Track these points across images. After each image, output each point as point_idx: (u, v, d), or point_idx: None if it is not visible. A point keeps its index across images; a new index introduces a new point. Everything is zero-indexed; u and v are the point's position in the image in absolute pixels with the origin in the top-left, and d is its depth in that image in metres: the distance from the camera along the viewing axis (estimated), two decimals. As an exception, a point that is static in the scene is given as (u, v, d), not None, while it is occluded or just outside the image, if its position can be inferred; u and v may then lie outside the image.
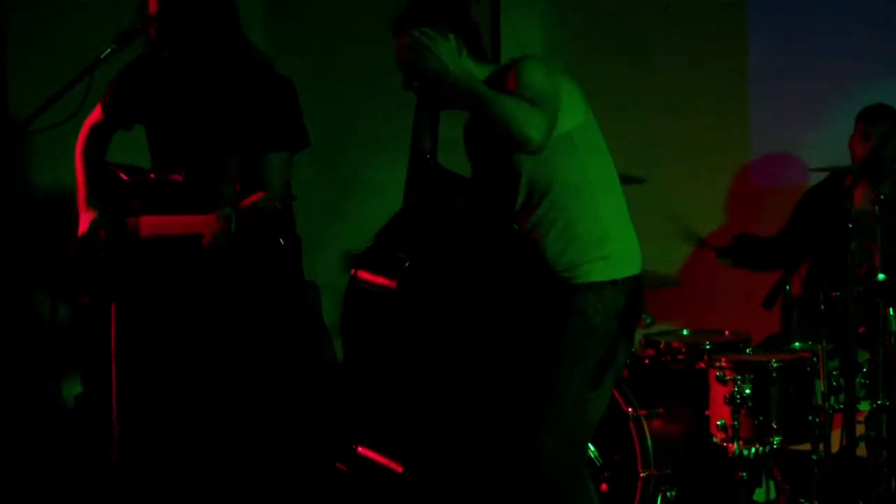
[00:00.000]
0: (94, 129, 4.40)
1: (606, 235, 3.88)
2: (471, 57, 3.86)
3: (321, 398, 5.34)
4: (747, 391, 4.77)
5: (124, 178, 4.28)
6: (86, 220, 4.32)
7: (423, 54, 3.71)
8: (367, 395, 4.10)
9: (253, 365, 4.28)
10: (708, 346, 5.22)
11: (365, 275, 3.94)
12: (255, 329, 4.25)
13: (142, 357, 4.28)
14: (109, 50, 4.10)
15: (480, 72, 3.85)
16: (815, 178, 5.76)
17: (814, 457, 4.72)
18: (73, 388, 5.65)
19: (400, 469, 3.91)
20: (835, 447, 4.66)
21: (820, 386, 4.75)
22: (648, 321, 5.31)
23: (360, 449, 4.08)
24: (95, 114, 4.38)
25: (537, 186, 3.87)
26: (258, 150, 4.16)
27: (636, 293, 3.93)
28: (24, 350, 5.63)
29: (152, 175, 4.30)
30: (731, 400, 4.78)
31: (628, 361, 5.24)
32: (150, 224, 4.19)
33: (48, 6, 5.83)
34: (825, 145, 6.38)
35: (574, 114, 3.82)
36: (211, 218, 4.03)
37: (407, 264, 3.86)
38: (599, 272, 3.86)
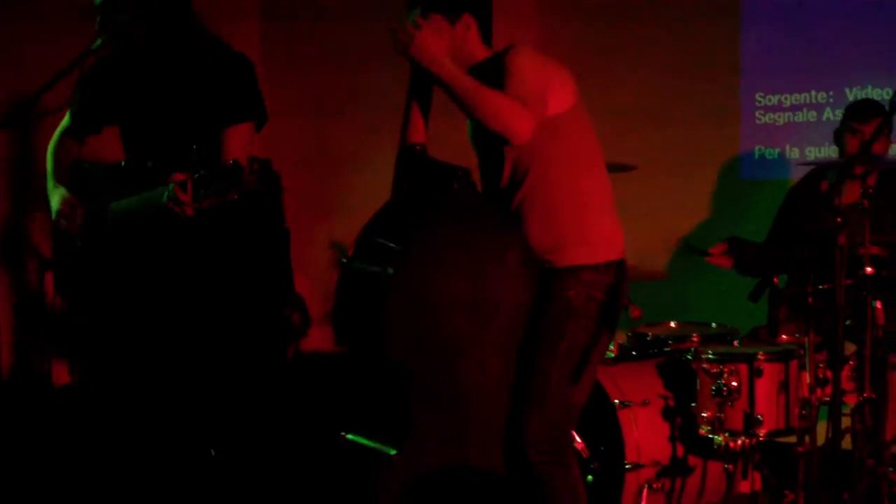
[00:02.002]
0: (65, 135, 4.47)
1: (588, 220, 3.94)
2: (479, 38, 3.97)
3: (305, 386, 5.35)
4: (734, 383, 4.77)
5: (103, 170, 4.36)
6: (56, 196, 4.36)
7: (413, 43, 3.76)
8: (362, 379, 4.11)
9: (238, 354, 4.28)
10: (695, 339, 5.23)
11: (357, 262, 3.96)
12: (238, 314, 4.26)
13: (124, 346, 4.30)
14: (99, 42, 4.12)
15: (483, 53, 3.97)
16: (803, 173, 5.77)
17: (799, 449, 4.72)
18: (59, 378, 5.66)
19: (392, 452, 3.92)
20: (821, 440, 4.67)
21: (806, 379, 4.76)
22: (636, 313, 5.31)
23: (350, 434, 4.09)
24: (65, 120, 4.45)
25: (520, 167, 3.93)
26: (219, 125, 4.18)
27: (618, 278, 3.98)
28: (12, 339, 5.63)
29: (122, 164, 4.33)
30: (717, 392, 4.78)
31: (614, 354, 5.25)
32: (118, 207, 4.22)
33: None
34: (815, 139, 6.41)
35: (562, 100, 3.89)
36: (169, 188, 4.02)
37: (398, 252, 3.87)
38: (580, 256, 3.92)
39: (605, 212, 4.01)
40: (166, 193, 3.92)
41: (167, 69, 4.24)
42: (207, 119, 4.18)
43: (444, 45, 3.83)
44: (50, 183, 4.42)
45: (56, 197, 4.37)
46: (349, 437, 4.07)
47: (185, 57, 4.24)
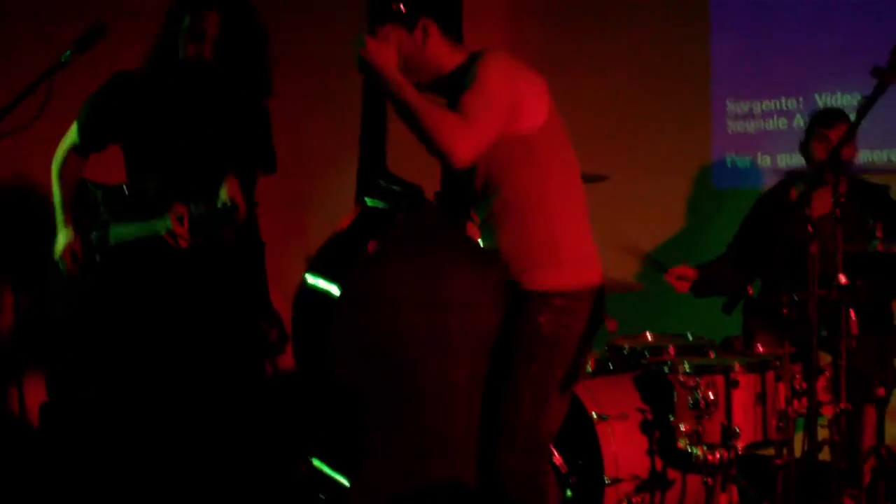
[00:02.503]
0: (71, 152, 4.42)
1: (558, 243, 3.81)
2: (444, 38, 3.78)
3: (282, 405, 5.33)
4: (711, 396, 4.78)
5: (101, 193, 4.38)
6: (62, 239, 4.35)
7: (362, 60, 3.67)
8: (318, 403, 4.09)
9: (214, 369, 4.28)
10: (671, 350, 5.24)
11: (313, 279, 3.94)
12: (215, 330, 4.28)
13: (103, 362, 4.30)
14: (69, 53, 4.07)
15: (451, 58, 3.79)
16: (775, 181, 5.79)
17: (777, 461, 4.74)
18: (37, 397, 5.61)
19: (346, 483, 3.90)
20: (798, 452, 4.68)
21: (783, 390, 4.77)
22: (612, 326, 5.31)
23: (311, 460, 4.08)
24: (71, 136, 4.41)
25: (491, 185, 3.80)
26: (230, 166, 4.22)
27: (595, 304, 3.86)
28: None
29: (125, 187, 4.35)
30: (694, 404, 4.79)
31: (591, 367, 5.24)
32: (118, 233, 4.26)
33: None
34: (786, 146, 6.43)
35: (534, 118, 3.75)
36: (167, 219, 4.09)
37: (354, 268, 3.85)
38: (549, 279, 3.80)
39: (579, 233, 3.88)
40: (164, 224, 4.01)
41: (189, 98, 4.27)
42: (221, 158, 4.22)
43: (391, 56, 3.68)
44: (59, 213, 4.39)
45: (62, 239, 4.35)
46: (313, 462, 4.05)
47: (209, 90, 4.26)
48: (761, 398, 4.81)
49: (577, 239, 3.88)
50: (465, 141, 3.57)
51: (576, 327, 3.82)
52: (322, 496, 3.96)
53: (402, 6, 3.73)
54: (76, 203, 4.40)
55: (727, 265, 5.58)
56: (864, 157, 6.16)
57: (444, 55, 3.79)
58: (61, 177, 4.41)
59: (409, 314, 3.87)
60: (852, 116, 5.33)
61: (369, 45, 3.65)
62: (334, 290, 3.85)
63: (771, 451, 4.80)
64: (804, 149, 5.54)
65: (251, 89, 4.32)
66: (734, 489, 4.82)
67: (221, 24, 4.21)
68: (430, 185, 4.06)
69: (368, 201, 4.00)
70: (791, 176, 5.65)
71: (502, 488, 3.81)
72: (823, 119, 5.50)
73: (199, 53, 4.20)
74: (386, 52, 3.67)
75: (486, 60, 3.71)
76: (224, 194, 4.12)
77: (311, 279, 3.94)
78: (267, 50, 4.34)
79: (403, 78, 3.66)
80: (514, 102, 3.69)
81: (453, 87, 3.73)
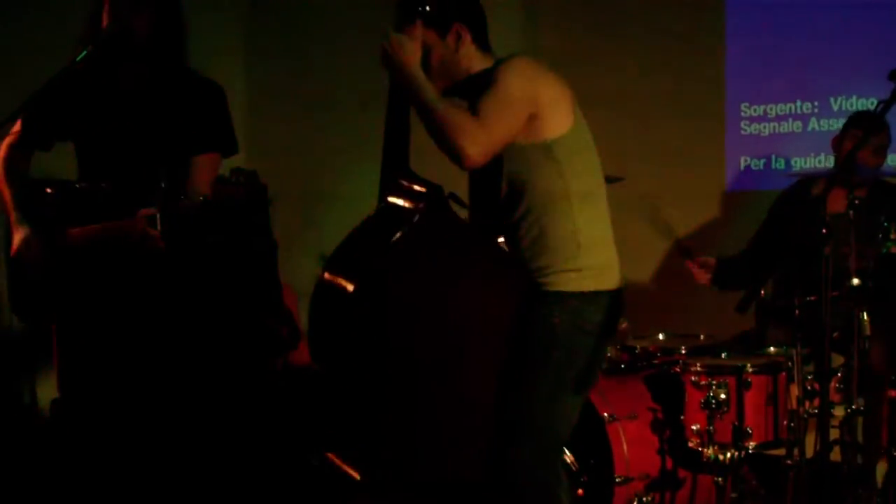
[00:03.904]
0: (15, 148, 4.29)
1: (579, 247, 3.80)
2: (475, 44, 3.82)
3: (293, 400, 5.34)
4: (722, 396, 4.78)
5: (49, 191, 4.21)
6: (18, 237, 4.20)
7: (387, 53, 3.71)
8: (334, 398, 4.09)
9: (219, 367, 4.26)
10: (683, 351, 5.23)
11: (331, 277, 3.93)
12: (220, 328, 4.24)
13: (93, 372, 4.23)
14: (85, 52, 4.07)
15: (481, 62, 3.82)
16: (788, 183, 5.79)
17: (788, 462, 4.73)
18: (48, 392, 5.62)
19: (357, 476, 3.90)
20: (809, 452, 4.67)
21: (795, 390, 4.77)
22: (624, 325, 5.31)
23: (326, 453, 4.07)
24: (14, 132, 4.27)
25: (515, 190, 3.82)
26: (185, 153, 4.13)
27: (612, 309, 3.85)
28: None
29: (77, 186, 4.22)
30: (706, 404, 4.79)
31: (604, 366, 5.23)
32: (78, 235, 4.12)
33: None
34: (800, 150, 6.43)
35: (556, 124, 3.75)
36: (135, 221, 3.99)
37: (373, 267, 3.85)
38: (568, 283, 3.80)
39: (600, 239, 3.88)
40: (137, 230, 3.93)
41: (138, 89, 4.18)
42: (175, 146, 4.12)
43: (416, 53, 3.71)
44: (13, 213, 4.22)
45: (18, 234, 4.19)
46: (325, 455, 4.05)
47: (157, 79, 4.18)
48: (773, 399, 4.81)
49: (598, 245, 3.87)
50: (476, 142, 3.59)
51: (591, 329, 3.82)
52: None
53: (429, 6, 3.76)
54: (25, 202, 4.24)
55: (746, 263, 5.57)
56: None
57: (474, 61, 3.83)
58: (9, 176, 4.27)
59: (425, 312, 3.87)
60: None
61: (394, 41, 3.70)
62: (352, 287, 3.86)
63: (782, 452, 4.80)
64: (836, 145, 5.53)
65: (179, 68, 4.21)
66: (745, 489, 4.81)
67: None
68: (455, 187, 4.06)
69: (389, 199, 4.00)
70: (810, 177, 5.64)
71: (515, 488, 3.81)
72: (860, 121, 5.49)
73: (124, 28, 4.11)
74: (411, 48, 3.70)
75: (507, 63, 3.73)
76: (196, 188, 4.05)
77: (330, 276, 3.94)
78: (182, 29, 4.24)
79: (425, 76, 3.70)
80: (532, 106, 3.70)
81: (476, 92, 3.75)
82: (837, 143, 5.54)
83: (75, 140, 4.25)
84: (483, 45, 3.86)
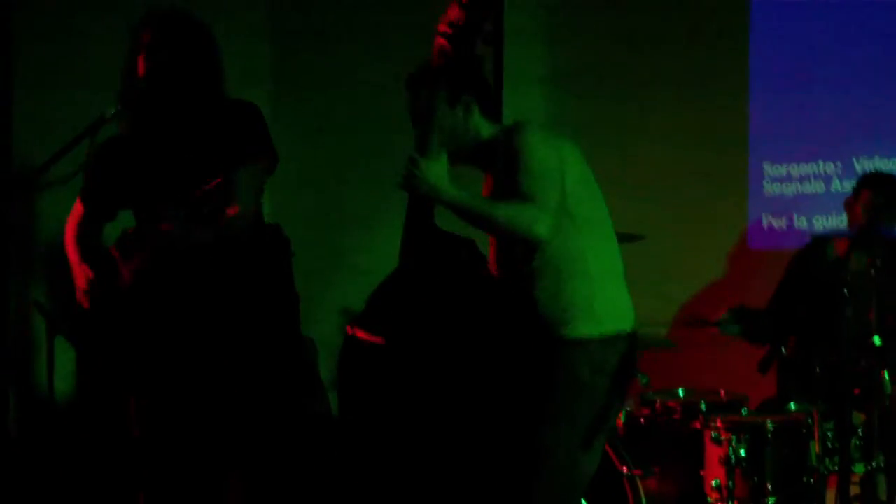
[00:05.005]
0: (81, 225, 4.29)
1: (595, 292, 3.87)
2: (482, 115, 3.93)
3: (315, 451, 5.34)
4: (742, 452, 4.77)
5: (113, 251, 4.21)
6: (80, 275, 4.22)
7: (414, 183, 3.79)
8: (359, 452, 4.11)
9: (245, 416, 4.26)
10: (703, 407, 5.21)
11: (359, 333, 3.96)
12: (247, 378, 4.25)
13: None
14: (114, 111, 4.10)
15: (488, 129, 3.92)
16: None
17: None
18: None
19: None
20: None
21: (815, 447, 4.75)
22: (644, 381, 5.30)
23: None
24: (77, 209, 4.28)
25: (531, 244, 3.86)
26: (227, 169, 4.10)
27: (628, 352, 3.90)
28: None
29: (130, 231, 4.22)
30: (725, 460, 4.78)
31: (623, 420, 5.23)
32: (128, 269, 4.15)
33: (55, 53, 5.89)
34: (823, 209, 6.43)
35: (570, 180, 3.84)
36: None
37: (399, 326, 3.88)
38: (587, 328, 3.85)
39: (613, 283, 3.95)
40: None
41: (180, 131, 4.18)
42: (217, 167, 4.10)
43: (443, 172, 3.80)
44: (78, 270, 4.23)
45: (80, 272, 4.20)
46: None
47: (196, 115, 4.18)
48: (793, 455, 4.78)
49: (613, 294, 3.94)
50: (543, 221, 3.72)
51: (611, 371, 3.86)
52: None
53: (444, 87, 3.86)
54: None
55: (766, 321, 5.57)
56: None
57: (482, 129, 3.94)
58: (82, 251, 4.25)
59: (450, 367, 3.90)
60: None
61: (422, 167, 3.78)
62: (381, 341, 3.89)
63: (802, 508, 4.78)
64: (849, 206, 5.54)
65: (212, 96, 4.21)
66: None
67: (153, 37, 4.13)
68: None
69: (415, 255, 4.04)
70: (826, 235, 5.64)
71: None
72: (873, 182, 5.50)
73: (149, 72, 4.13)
74: (438, 170, 3.79)
75: (524, 136, 3.83)
76: (244, 201, 4.08)
77: (360, 331, 3.97)
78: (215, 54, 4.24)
79: (456, 188, 3.79)
80: (560, 167, 3.80)
81: (490, 158, 3.90)
82: (850, 203, 5.55)
83: (133, 205, 4.25)
84: (490, 113, 3.98)
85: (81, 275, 4.25)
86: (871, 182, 5.51)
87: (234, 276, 4.12)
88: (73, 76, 5.91)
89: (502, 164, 3.84)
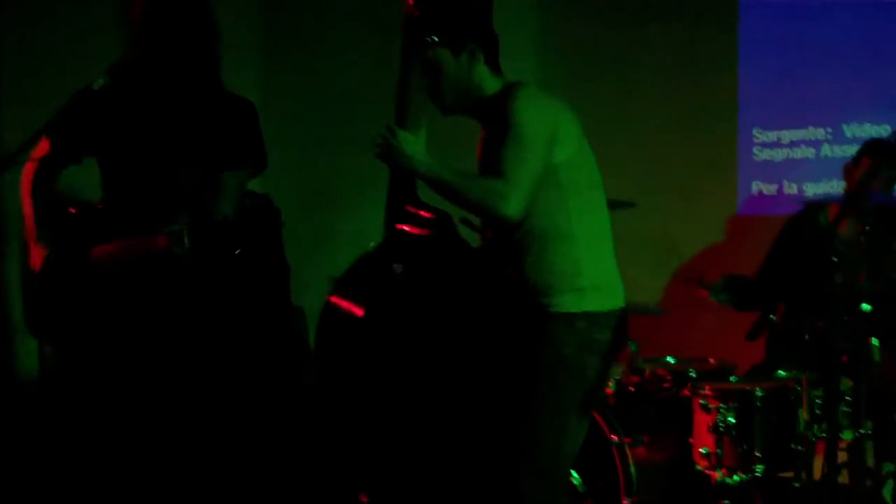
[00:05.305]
0: (43, 166, 4.23)
1: (581, 267, 3.84)
2: (486, 65, 3.88)
3: (304, 420, 5.34)
4: (731, 419, 4.78)
5: (72, 211, 4.21)
6: (38, 255, 4.19)
7: (390, 152, 3.78)
8: (338, 420, 4.11)
9: (230, 388, 4.26)
10: (692, 374, 5.22)
11: (337, 300, 3.96)
12: (233, 350, 4.24)
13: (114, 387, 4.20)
14: (103, 82, 4.07)
15: (492, 84, 3.88)
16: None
17: (796, 484, 4.72)
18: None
19: (365, 500, 3.93)
20: (817, 475, 4.66)
21: (803, 414, 4.76)
22: (634, 349, 5.31)
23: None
24: (42, 148, 4.21)
25: None
26: (214, 169, 4.12)
27: (617, 329, 3.88)
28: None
29: (100, 206, 4.21)
30: (714, 428, 4.79)
31: (613, 388, 5.23)
32: (102, 252, 4.13)
33: (42, 35, 5.85)
34: (813, 175, 6.43)
35: (564, 149, 3.80)
36: (157, 237, 4.01)
37: (379, 294, 3.87)
38: (572, 304, 3.83)
39: (602, 255, 3.92)
40: (160, 247, 3.95)
41: (167, 105, 4.17)
42: (203, 162, 4.12)
43: (420, 144, 3.81)
44: (35, 230, 4.20)
45: (38, 252, 4.18)
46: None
47: (187, 95, 4.17)
48: (781, 422, 4.80)
49: (600, 267, 3.91)
50: (510, 199, 3.69)
51: (598, 349, 3.84)
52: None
53: (438, 35, 3.81)
54: (48, 222, 4.22)
55: (757, 289, 5.57)
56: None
57: (486, 82, 3.89)
58: (33, 193, 4.22)
59: (428, 335, 3.89)
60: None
61: (398, 138, 3.77)
62: (358, 310, 3.89)
63: (790, 474, 4.79)
64: (848, 173, 5.53)
65: (210, 84, 4.19)
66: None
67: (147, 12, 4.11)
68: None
69: (397, 226, 4.03)
70: (819, 202, 5.64)
71: None
72: (873, 149, 5.49)
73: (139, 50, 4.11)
74: (414, 143, 3.79)
75: (517, 100, 3.79)
76: (225, 206, 4.09)
77: (337, 299, 3.97)
78: (216, 42, 4.21)
79: (433, 160, 3.78)
80: (551, 138, 3.77)
81: (487, 116, 3.86)
82: (849, 170, 5.54)
83: (101, 156, 4.22)
84: (494, 67, 3.91)
85: (33, 228, 4.20)
86: (872, 149, 5.50)
87: (225, 248, 4.11)
88: (59, 61, 5.89)
89: (494, 126, 3.80)
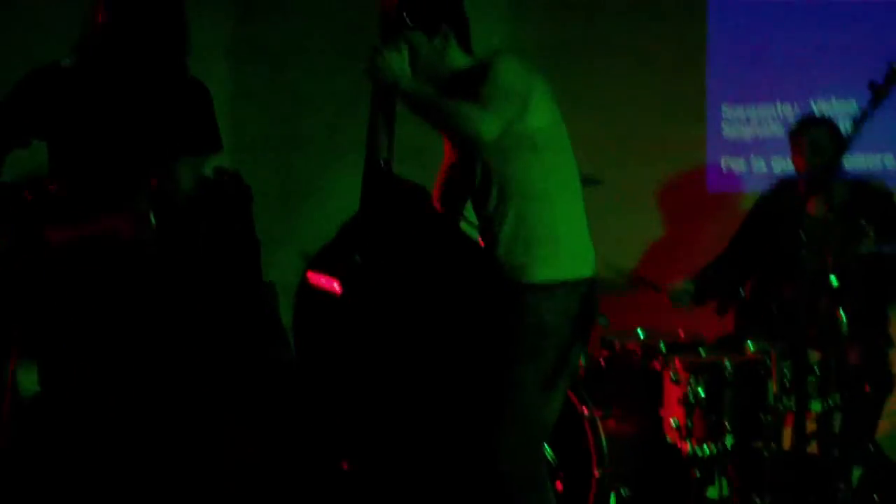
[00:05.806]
0: None
1: (558, 236, 3.91)
2: (459, 47, 3.97)
3: (276, 397, 5.35)
4: (701, 392, 4.82)
5: (28, 196, 4.16)
6: None
7: (378, 70, 3.86)
8: (317, 395, 4.13)
9: (200, 365, 4.25)
10: (662, 348, 5.25)
11: (314, 277, 3.98)
12: (202, 328, 4.23)
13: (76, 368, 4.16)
14: (69, 62, 4.05)
15: (464, 62, 3.97)
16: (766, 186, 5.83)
17: (765, 454, 4.77)
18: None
19: (345, 466, 3.94)
20: (787, 445, 4.71)
21: (772, 386, 4.80)
22: (604, 323, 5.33)
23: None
24: None
25: (492, 178, 3.91)
26: (170, 154, 4.09)
27: (590, 296, 3.95)
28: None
29: (52, 188, 4.15)
30: (684, 400, 4.83)
31: (583, 363, 5.26)
32: (58, 236, 4.09)
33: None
34: (781, 151, 6.45)
35: (541, 116, 3.88)
36: (121, 220, 4.01)
37: (355, 268, 3.89)
38: (550, 272, 3.89)
39: (577, 228, 3.99)
40: (125, 230, 3.94)
41: (121, 89, 4.11)
42: (158, 146, 4.08)
43: (404, 66, 3.88)
44: None
45: None
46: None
47: (142, 79, 4.12)
48: (751, 394, 4.83)
49: (576, 233, 3.98)
50: (487, 121, 3.75)
51: (574, 316, 3.90)
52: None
53: (415, 20, 3.90)
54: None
55: (725, 266, 5.60)
56: (859, 161, 6.22)
57: (458, 62, 3.98)
58: None
59: (404, 309, 3.91)
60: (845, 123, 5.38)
61: (384, 57, 3.85)
62: (334, 286, 3.90)
63: (760, 445, 4.83)
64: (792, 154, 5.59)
65: (168, 66, 4.16)
66: (722, 482, 4.84)
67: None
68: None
69: (371, 200, 4.05)
70: (792, 179, 5.68)
71: (503, 477, 3.86)
72: (796, 127, 5.57)
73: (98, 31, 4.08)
74: (399, 62, 3.86)
75: (501, 57, 3.90)
76: (181, 188, 4.06)
77: (313, 276, 3.99)
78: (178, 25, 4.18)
79: (416, 81, 3.88)
80: (525, 99, 3.84)
81: (461, 88, 3.90)
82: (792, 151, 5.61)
83: (51, 139, 4.14)
84: (466, 47, 4.01)
85: None
86: (800, 127, 5.57)
87: (194, 224, 4.11)
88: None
89: (471, 82, 3.86)
